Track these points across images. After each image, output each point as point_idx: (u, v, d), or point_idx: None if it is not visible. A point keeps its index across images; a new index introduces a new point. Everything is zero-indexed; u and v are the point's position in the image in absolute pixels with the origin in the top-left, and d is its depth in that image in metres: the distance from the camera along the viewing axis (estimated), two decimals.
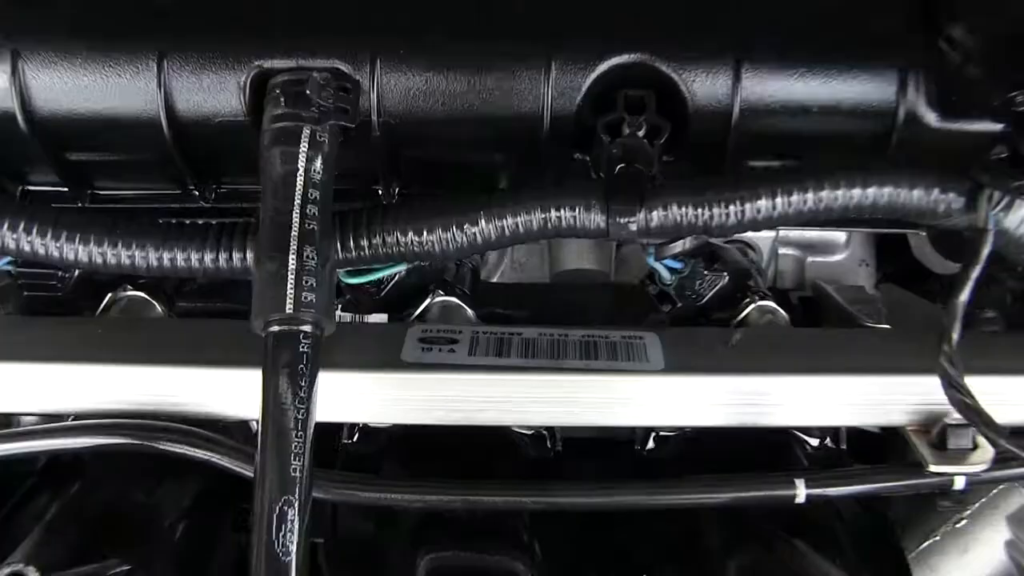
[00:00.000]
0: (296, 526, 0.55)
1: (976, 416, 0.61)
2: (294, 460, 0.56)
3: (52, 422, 0.70)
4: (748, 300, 0.80)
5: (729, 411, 0.70)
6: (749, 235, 0.95)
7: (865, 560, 0.72)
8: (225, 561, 0.77)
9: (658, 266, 0.79)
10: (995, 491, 0.85)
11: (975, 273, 0.61)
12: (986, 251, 0.61)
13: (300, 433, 0.57)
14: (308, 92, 0.64)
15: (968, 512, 0.85)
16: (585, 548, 0.78)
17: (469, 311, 0.79)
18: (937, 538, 0.86)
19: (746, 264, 0.84)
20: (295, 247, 0.60)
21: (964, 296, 0.61)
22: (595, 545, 0.79)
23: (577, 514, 0.80)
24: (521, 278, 1.03)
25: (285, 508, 0.55)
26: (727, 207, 0.62)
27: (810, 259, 1.02)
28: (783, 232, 0.98)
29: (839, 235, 1.01)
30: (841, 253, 1.03)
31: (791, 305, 0.89)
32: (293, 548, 0.55)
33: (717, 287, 0.81)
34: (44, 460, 0.79)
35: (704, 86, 0.70)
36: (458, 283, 0.82)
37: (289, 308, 0.58)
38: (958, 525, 0.85)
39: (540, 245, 1.01)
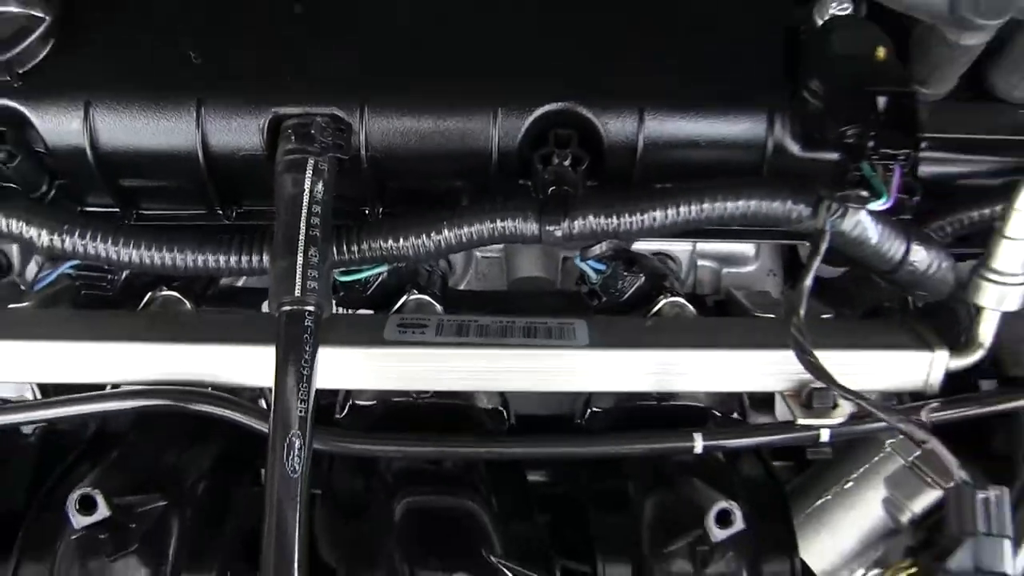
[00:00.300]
0: (302, 453, 0.68)
1: (820, 373, 0.75)
2: (300, 404, 0.69)
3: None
4: (661, 297, 0.89)
5: (641, 379, 0.83)
6: (669, 247, 1.06)
7: (754, 504, 0.82)
8: (245, 514, 0.89)
9: (584, 267, 0.89)
10: (876, 459, 0.97)
11: (815, 264, 0.76)
12: (823, 247, 0.76)
13: (305, 386, 0.70)
14: (313, 132, 0.77)
15: (854, 476, 0.98)
16: (532, 498, 0.91)
17: (438, 307, 0.89)
18: (829, 497, 0.98)
19: (663, 269, 0.95)
20: (302, 248, 0.72)
21: (808, 281, 0.76)
22: (539, 495, 0.92)
23: (527, 477, 0.95)
24: (484, 286, 1.10)
25: (293, 439, 0.68)
26: (631, 217, 0.77)
27: (725, 270, 1.09)
28: (700, 246, 1.06)
29: (749, 248, 1.09)
30: (752, 264, 1.10)
31: (707, 307, 1.01)
32: (299, 469, 0.68)
33: (636, 286, 0.90)
34: (91, 431, 0.92)
35: (616, 126, 0.83)
36: (430, 286, 0.92)
37: (297, 293, 0.72)
38: (846, 486, 0.98)
39: (499, 258, 1.10)
